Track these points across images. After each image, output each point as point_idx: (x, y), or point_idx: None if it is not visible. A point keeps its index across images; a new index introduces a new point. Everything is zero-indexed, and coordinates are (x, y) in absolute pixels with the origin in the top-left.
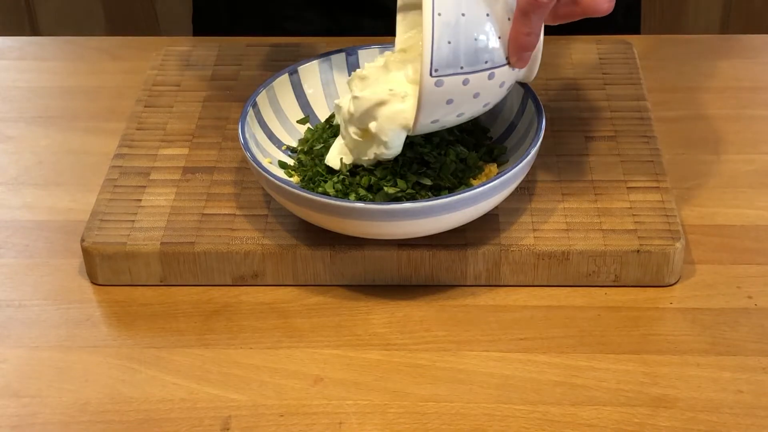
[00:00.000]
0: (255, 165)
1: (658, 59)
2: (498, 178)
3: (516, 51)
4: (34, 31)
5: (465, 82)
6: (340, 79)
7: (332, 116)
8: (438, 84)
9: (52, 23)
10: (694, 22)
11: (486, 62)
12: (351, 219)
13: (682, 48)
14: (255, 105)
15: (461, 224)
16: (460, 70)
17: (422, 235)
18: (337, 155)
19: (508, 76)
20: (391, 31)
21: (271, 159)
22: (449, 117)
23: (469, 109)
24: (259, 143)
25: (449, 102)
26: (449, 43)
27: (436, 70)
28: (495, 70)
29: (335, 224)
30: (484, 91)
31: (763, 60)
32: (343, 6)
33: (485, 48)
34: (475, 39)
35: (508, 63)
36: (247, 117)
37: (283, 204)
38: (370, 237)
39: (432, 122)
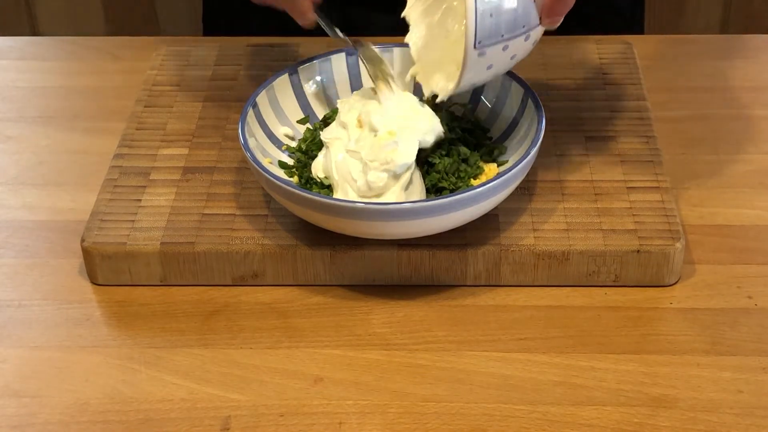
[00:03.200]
0: (255, 165)
1: (658, 59)
2: (498, 178)
3: (551, 15)
4: (34, 31)
5: (504, 48)
6: (340, 79)
7: (329, 115)
8: (481, 54)
9: (52, 23)
10: (694, 22)
11: (523, 27)
12: (351, 219)
13: (682, 48)
14: (255, 105)
15: (461, 224)
16: (500, 38)
17: (422, 235)
18: (317, 170)
19: (539, 33)
20: (403, 28)
21: (271, 159)
22: (485, 77)
23: (503, 68)
24: (259, 143)
25: (489, 67)
26: (491, 16)
27: (479, 42)
28: (530, 32)
29: (335, 224)
30: (518, 52)
31: (763, 60)
32: (355, 0)
33: (523, 15)
34: (515, 9)
35: (540, 22)
36: (247, 117)
37: (283, 204)
38: (370, 237)
39: (471, 85)
